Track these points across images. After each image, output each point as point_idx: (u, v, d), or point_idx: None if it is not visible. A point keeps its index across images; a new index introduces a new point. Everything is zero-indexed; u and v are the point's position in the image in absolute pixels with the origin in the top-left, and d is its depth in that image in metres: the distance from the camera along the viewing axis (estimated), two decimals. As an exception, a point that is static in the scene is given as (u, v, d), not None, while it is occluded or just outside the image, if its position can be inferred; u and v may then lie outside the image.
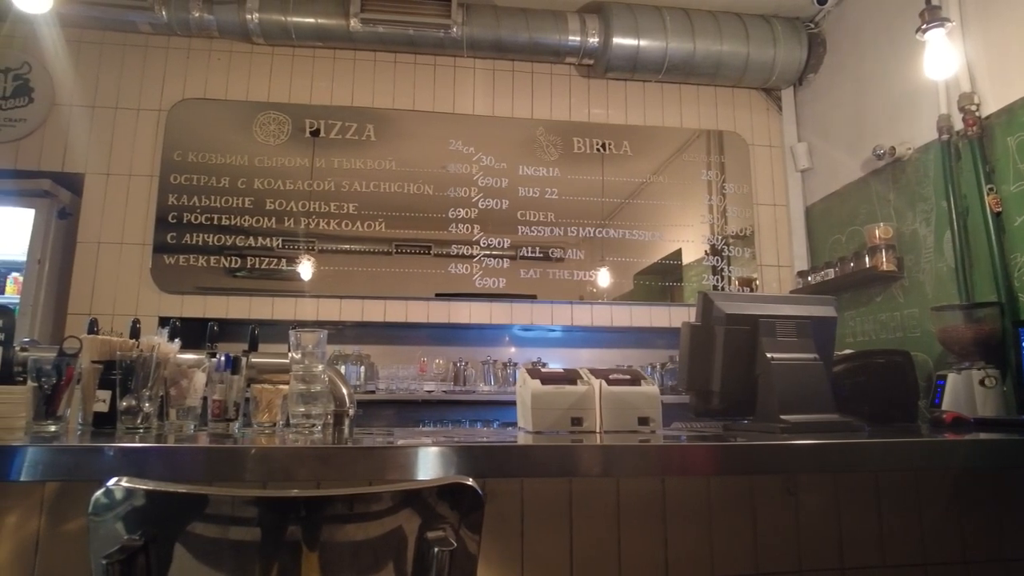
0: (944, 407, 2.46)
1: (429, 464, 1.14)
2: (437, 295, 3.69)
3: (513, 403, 3.49)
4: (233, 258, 3.56)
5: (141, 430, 1.58)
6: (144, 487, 0.77)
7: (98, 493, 0.78)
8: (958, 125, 2.83)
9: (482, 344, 3.92)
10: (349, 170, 3.73)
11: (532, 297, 3.78)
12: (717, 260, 4.02)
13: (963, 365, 2.53)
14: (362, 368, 3.57)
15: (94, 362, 1.72)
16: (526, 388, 1.78)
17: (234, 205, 3.60)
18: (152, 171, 3.60)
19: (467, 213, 3.78)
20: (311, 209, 3.66)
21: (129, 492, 0.77)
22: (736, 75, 4.01)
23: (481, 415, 3.56)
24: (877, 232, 3.21)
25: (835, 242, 3.74)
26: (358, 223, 3.68)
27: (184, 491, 0.77)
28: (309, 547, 0.81)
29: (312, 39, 3.72)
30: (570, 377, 1.82)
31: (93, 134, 3.64)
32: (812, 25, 3.97)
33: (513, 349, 3.97)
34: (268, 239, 3.60)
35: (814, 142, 4.02)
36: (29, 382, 1.70)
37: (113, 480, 0.78)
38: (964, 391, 2.47)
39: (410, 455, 1.13)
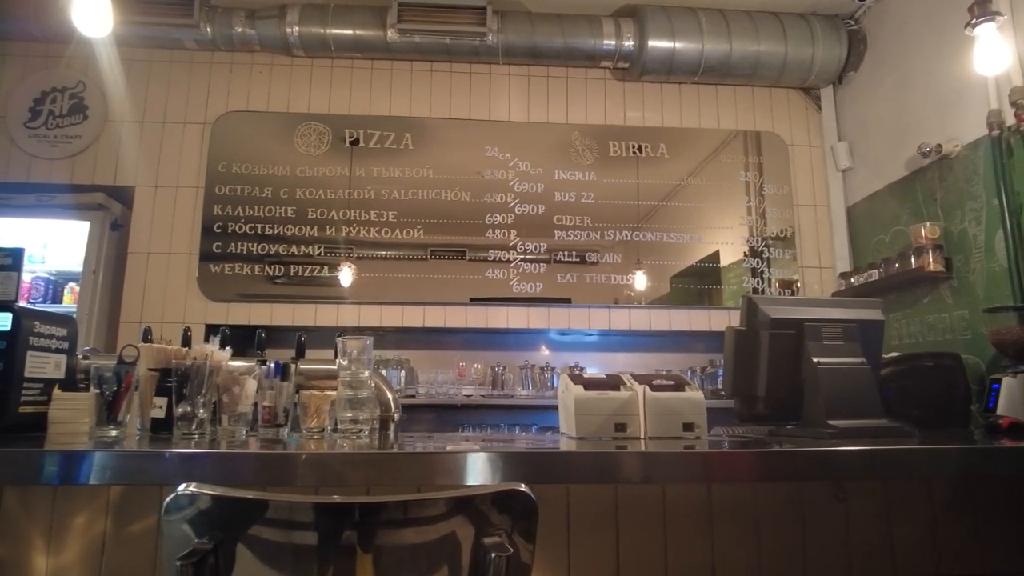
0: (999, 412, 2.38)
1: (478, 470, 1.16)
2: (473, 300, 3.72)
3: (551, 407, 3.52)
4: (276, 266, 3.65)
5: (196, 436, 1.63)
6: (212, 492, 0.81)
7: (170, 497, 0.81)
8: (1009, 120, 2.75)
9: (519, 348, 3.94)
10: (388, 178, 3.80)
11: (569, 301, 3.78)
12: (757, 262, 3.97)
13: (1019, 368, 2.45)
14: (402, 373, 3.62)
15: (151, 369, 1.79)
16: (569, 394, 1.78)
17: (277, 214, 3.69)
18: (198, 183, 3.72)
19: (504, 219, 3.81)
20: (351, 217, 3.73)
21: (199, 497, 0.81)
22: (774, 75, 3.96)
23: (519, 420, 3.58)
24: (923, 232, 3.13)
25: (878, 243, 3.66)
26: (397, 230, 3.74)
27: (251, 496, 0.80)
28: (367, 552, 0.83)
29: (350, 50, 3.79)
30: (613, 383, 1.81)
31: (142, 148, 3.77)
32: (852, 22, 3.90)
33: (550, 353, 3.98)
34: (310, 247, 3.68)
35: (855, 141, 3.94)
36: (91, 389, 1.77)
37: (183, 485, 0.82)
38: (1021, 395, 2.39)
39: (459, 460, 1.15)
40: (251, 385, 1.79)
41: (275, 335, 2.92)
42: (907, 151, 3.36)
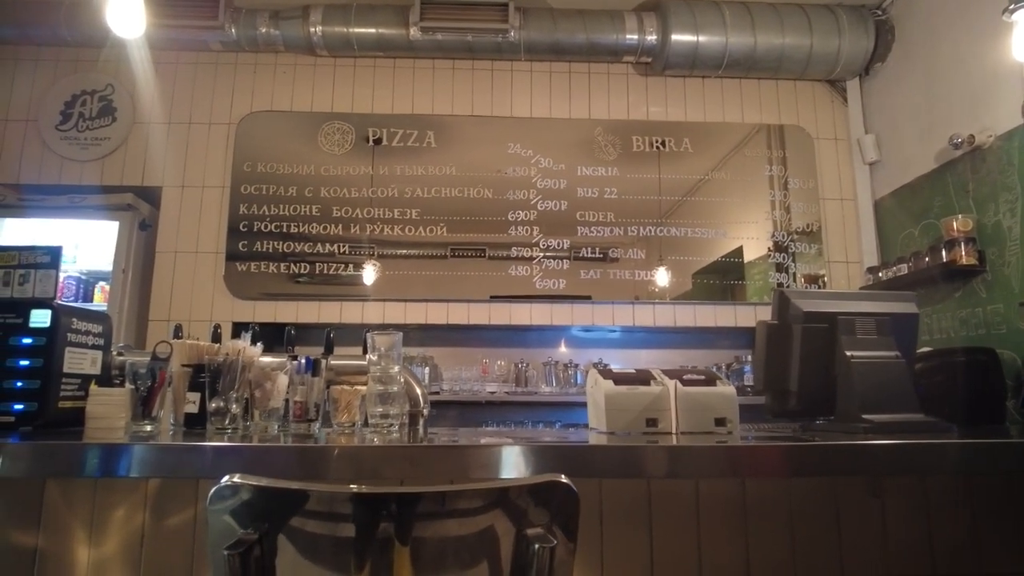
0: (1036, 407, 2.34)
1: (512, 463, 1.16)
2: (495, 297, 3.73)
3: (574, 405, 3.53)
4: (302, 264, 3.68)
5: (229, 430, 1.65)
6: (258, 483, 0.81)
7: (216, 487, 0.82)
8: (1045, 110, 2.69)
9: (542, 346, 3.94)
10: (411, 176, 3.81)
11: (591, 298, 3.77)
12: (782, 257, 3.93)
13: (1056, 363, 2.40)
14: (427, 370, 3.64)
15: (184, 366, 1.81)
16: (598, 389, 1.77)
17: (302, 213, 3.72)
18: (223, 182, 3.76)
19: (526, 215, 3.80)
20: (375, 215, 3.75)
21: (244, 488, 0.82)
22: (799, 68, 3.91)
23: (543, 416, 3.57)
24: (955, 224, 3.07)
25: (907, 236, 3.60)
26: (420, 228, 3.75)
27: (296, 487, 0.81)
28: (408, 543, 0.83)
29: (373, 49, 3.81)
30: (643, 378, 1.80)
31: (169, 149, 3.83)
32: (879, 12, 3.83)
33: (573, 350, 3.97)
34: (335, 245, 3.71)
35: (883, 133, 3.88)
36: (126, 385, 1.80)
37: (228, 476, 0.83)
38: (1058, 390, 2.34)
39: (495, 454, 1.15)
40: (283, 381, 1.81)
41: (301, 333, 2.93)
42: (937, 143, 3.30)
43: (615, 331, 3.95)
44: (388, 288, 3.69)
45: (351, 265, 3.70)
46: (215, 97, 3.88)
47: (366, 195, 3.78)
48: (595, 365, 3.73)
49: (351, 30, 3.70)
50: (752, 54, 3.79)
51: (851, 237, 3.98)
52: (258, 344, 1.85)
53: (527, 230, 3.79)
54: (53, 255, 1.80)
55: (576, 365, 3.77)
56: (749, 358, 3.80)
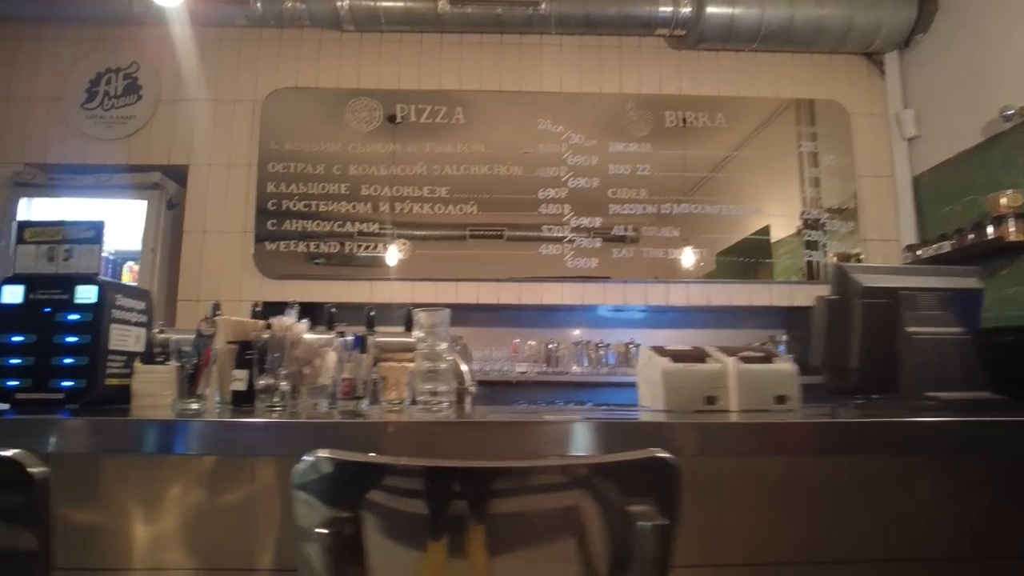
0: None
1: (583, 439, 1.12)
2: (525, 278, 3.68)
3: (605, 384, 3.49)
4: (331, 243, 3.65)
5: (279, 408, 1.62)
6: (352, 458, 0.78)
7: (301, 465, 0.79)
8: (1103, 80, 2.59)
9: (572, 325, 3.89)
10: (439, 154, 3.75)
11: (624, 277, 3.71)
12: (815, 235, 3.84)
13: (1113, 342, 2.32)
14: (457, 349, 3.60)
15: (229, 343, 1.79)
16: (654, 366, 1.73)
17: (330, 191, 3.68)
18: (250, 160, 3.72)
19: (557, 193, 3.74)
20: (403, 194, 3.70)
21: (333, 463, 0.78)
22: (837, 41, 3.80)
23: (572, 396, 3.54)
24: (1003, 200, 2.98)
25: (948, 213, 3.51)
26: (450, 206, 3.70)
27: (399, 463, 0.77)
28: (507, 519, 0.80)
29: (401, 23, 3.74)
30: (698, 355, 1.76)
31: (195, 127, 3.79)
32: (921, -19, 3.71)
33: (604, 330, 3.91)
34: (364, 224, 3.67)
35: (923, 108, 3.77)
36: (172, 362, 1.78)
37: (314, 452, 0.79)
38: (1116, 370, 2.27)
39: (583, 430, 1.12)
40: (331, 358, 1.78)
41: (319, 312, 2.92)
42: (982, 116, 3.20)
43: (646, 311, 3.90)
44: (417, 268, 3.65)
45: (380, 244, 3.66)
46: (240, 74, 3.82)
47: (395, 173, 3.72)
48: (627, 345, 3.68)
49: (379, 3, 3.63)
50: (789, 26, 3.69)
51: (887, 215, 3.89)
52: (304, 321, 1.82)
53: (558, 208, 3.73)
54: (97, 230, 1.78)
55: (607, 345, 3.72)
56: (785, 338, 3.74)
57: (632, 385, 3.60)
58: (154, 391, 1.73)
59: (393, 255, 3.66)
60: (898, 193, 3.86)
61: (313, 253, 3.63)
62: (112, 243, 3.74)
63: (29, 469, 0.80)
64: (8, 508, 0.80)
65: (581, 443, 1.13)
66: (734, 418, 1.47)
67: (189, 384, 1.75)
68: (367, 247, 3.66)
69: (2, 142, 3.72)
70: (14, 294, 1.63)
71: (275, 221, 3.65)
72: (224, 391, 1.75)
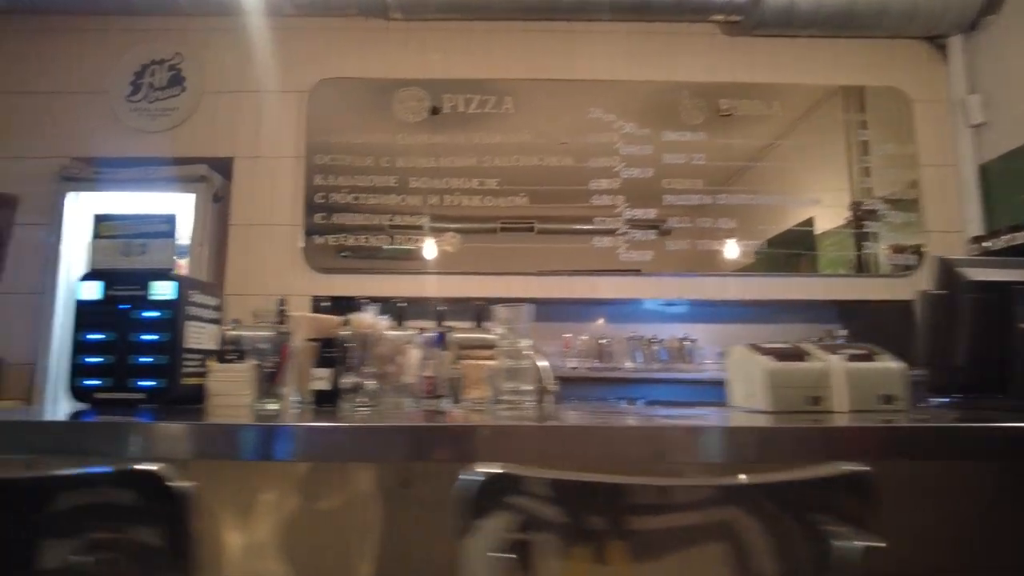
0: None
1: (712, 446, 1.05)
2: (581, 271, 3.58)
3: (657, 381, 3.38)
4: (380, 236, 3.58)
5: (368, 408, 1.56)
6: (535, 475, 0.70)
7: (478, 479, 0.71)
8: None
9: (623, 320, 3.79)
10: (489, 144, 3.67)
11: (679, 270, 3.60)
12: (872, 226, 3.70)
13: None
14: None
15: (309, 340, 1.72)
16: (754, 364, 1.64)
17: (378, 184, 3.61)
18: (297, 152, 3.66)
19: (610, 184, 3.64)
20: (453, 186, 3.62)
21: (515, 479, 0.70)
22: (900, 24, 3.65)
23: (624, 392, 3.44)
24: (1087, 189, 2.84)
25: (1021, 203, 3.36)
26: (500, 198, 3.61)
27: (588, 479, 0.69)
28: (699, 534, 0.72)
29: (449, 11, 3.65)
30: (797, 353, 1.68)
31: (240, 118, 3.73)
32: (992, -40, 3.55)
33: (657, 325, 3.81)
34: (413, 217, 3.60)
35: (991, 93, 3.61)
36: (248, 360, 1.72)
37: (485, 466, 0.71)
38: None
39: (697, 435, 1.04)
40: (414, 355, 1.71)
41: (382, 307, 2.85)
42: (1061, 101, 3.04)
43: (690, 305, 3.77)
44: (466, 261, 3.57)
45: (429, 237, 3.59)
46: (285, 64, 3.75)
47: (443, 164, 3.64)
48: (680, 340, 3.59)
49: (427, -10, 3.54)
50: (851, 10, 3.54)
51: (950, 205, 3.73)
52: (385, 317, 1.75)
53: (611, 199, 3.63)
54: (170, 223, 1.72)
55: (660, 340, 3.63)
56: (844, 332, 3.62)
57: (687, 382, 3.49)
58: (232, 390, 1.67)
59: (442, 248, 3.58)
60: (962, 182, 3.71)
61: (363, 247, 3.57)
62: (158, 237, 3.70)
63: (170, 483, 0.73)
64: (147, 527, 0.73)
65: (717, 449, 1.05)
66: (844, 420, 1.39)
67: (269, 383, 1.70)
68: (417, 240, 3.59)
69: (49, 136, 3.70)
70: (93, 290, 1.58)
71: (324, 215, 3.58)
72: (302, 390, 1.68)
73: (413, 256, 3.58)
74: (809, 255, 3.69)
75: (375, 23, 3.77)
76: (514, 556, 0.68)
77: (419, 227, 3.59)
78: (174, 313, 1.57)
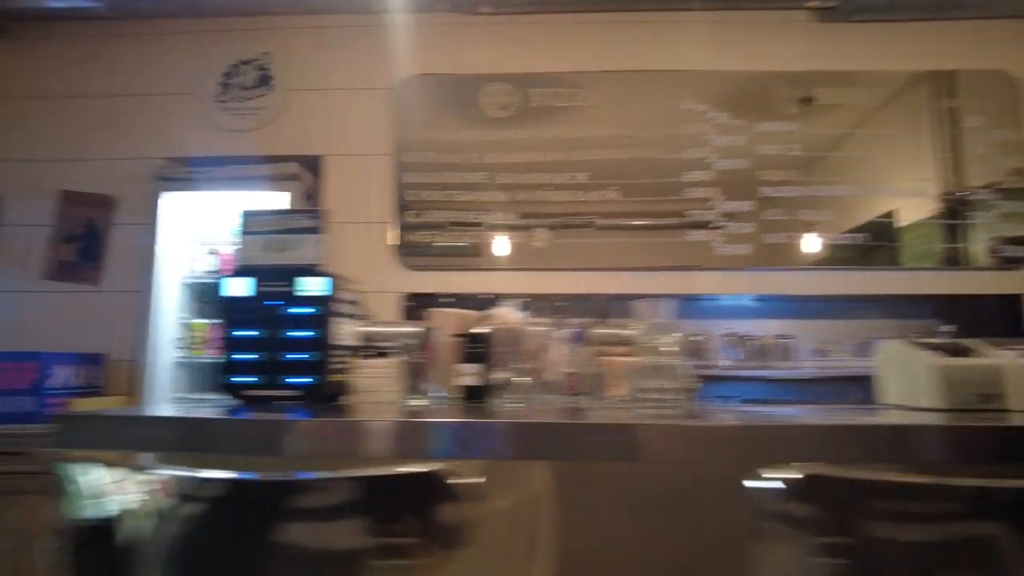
0: None
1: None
2: (672, 266, 3.50)
3: (751, 379, 3.27)
4: (472, 231, 3.56)
5: (522, 404, 1.53)
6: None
7: (777, 484, 0.66)
8: None
9: (716, 316, 3.68)
10: (577, 138, 3.61)
11: (778, 264, 3.49)
12: (980, 215, 3.52)
13: None
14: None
15: (453, 336, 1.70)
16: (917, 361, 1.57)
17: (468, 180, 3.59)
18: (387, 149, 3.67)
19: (703, 176, 3.54)
20: (543, 181, 3.58)
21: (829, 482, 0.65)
22: (1012, 3, 3.45)
23: (717, 391, 3.34)
24: None
25: None
26: (591, 192, 3.55)
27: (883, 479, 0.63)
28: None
29: (537, 4, 3.60)
30: (958, 349, 1.60)
31: (328, 116, 3.76)
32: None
33: (751, 321, 3.67)
34: (504, 213, 3.57)
35: (1110, 74, 3.40)
36: (392, 356, 1.71)
37: (796, 466, 0.66)
38: None
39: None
40: (557, 351, 1.67)
41: (465, 302, 2.81)
42: None
43: (799, 300, 3.62)
44: (559, 257, 3.53)
45: (522, 233, 3.55)
46: (372, 61, 3.76)
47: (534, 159, 3.60)
48: (776, 338, 3.47)
49: (517, -17, 3.50)
50: (958, -11, 3.38)
51: (1065, 194, 3.53)
52: (527, 313, 1.72)
53: (704, 191, 3.53)
54: (318, 219, 1.71)
55: (755, 337, 3.51)
56: (950, 328, 3.43)
57: (783, 381, 3.35)
58: (379, 386, 1.66)
59: (534, 245, 3.54)
60: (1079, 170, 3.50)
61: (455, 244, 3.55)
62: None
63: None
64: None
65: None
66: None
67: (416, 378, 1.69)
68: (509, 236, 3.56)
69: (143, 137, 3.78)
70: (244, 287, 1.58)
71: (415, 212, 3.58)
72: (447, 385, 1.66)
73: (504, 252, 3.55)
74: (905, 247, 3.53)
75: (462, 18, 3.75)
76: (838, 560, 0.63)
77: (509, 223, 3.55)
78: (325, 309, 1.56)
